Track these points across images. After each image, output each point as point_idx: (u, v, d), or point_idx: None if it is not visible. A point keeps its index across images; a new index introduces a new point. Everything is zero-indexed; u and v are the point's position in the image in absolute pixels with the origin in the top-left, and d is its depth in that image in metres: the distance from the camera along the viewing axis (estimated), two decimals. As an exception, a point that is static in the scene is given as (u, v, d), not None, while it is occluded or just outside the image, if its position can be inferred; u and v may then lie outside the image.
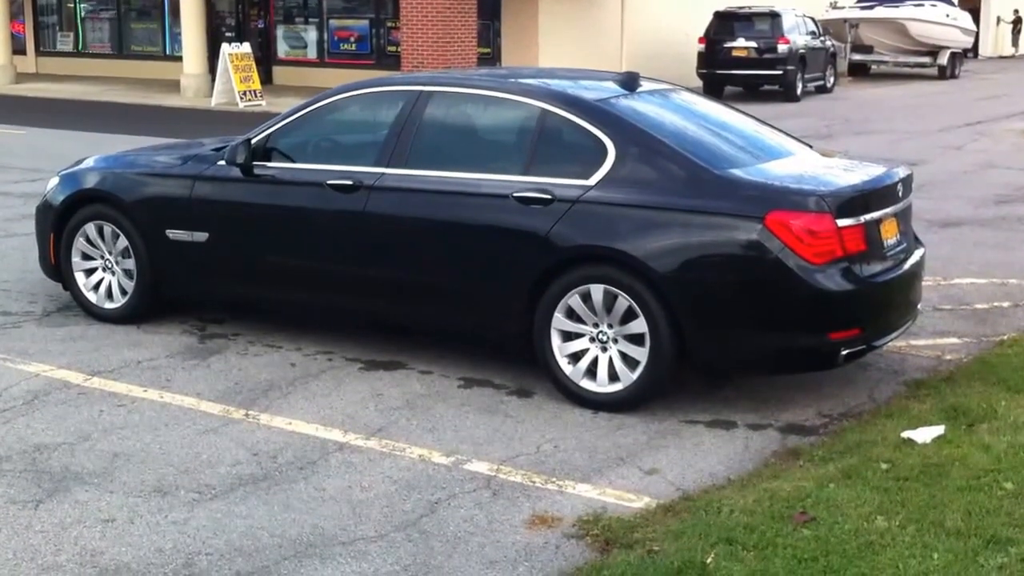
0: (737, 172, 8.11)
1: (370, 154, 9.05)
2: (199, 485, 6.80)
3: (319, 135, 9.59)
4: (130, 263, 9.87)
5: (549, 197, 8.15)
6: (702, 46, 35.31)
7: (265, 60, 35.67)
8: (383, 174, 8.80)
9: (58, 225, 10.16)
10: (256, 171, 9.34)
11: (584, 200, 8.07)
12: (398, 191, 8.74)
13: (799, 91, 34.74)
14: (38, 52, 42.20)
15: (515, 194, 8.27)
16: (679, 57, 35.93)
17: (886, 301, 8.32)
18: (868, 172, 8.65)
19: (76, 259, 10.12)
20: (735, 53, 34.73)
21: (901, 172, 8.75)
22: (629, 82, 9.32)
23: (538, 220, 8.16)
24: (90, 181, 10.15)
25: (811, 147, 9.40)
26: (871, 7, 44.13)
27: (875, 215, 8.13)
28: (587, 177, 8.15)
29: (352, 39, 36.24)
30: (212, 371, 8.84)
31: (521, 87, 8.94)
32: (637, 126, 8.35)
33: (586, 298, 8.04)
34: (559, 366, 8.18)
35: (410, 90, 9.18)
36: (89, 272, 10.12)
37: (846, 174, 8.65)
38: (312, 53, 36.92)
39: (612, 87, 9.20)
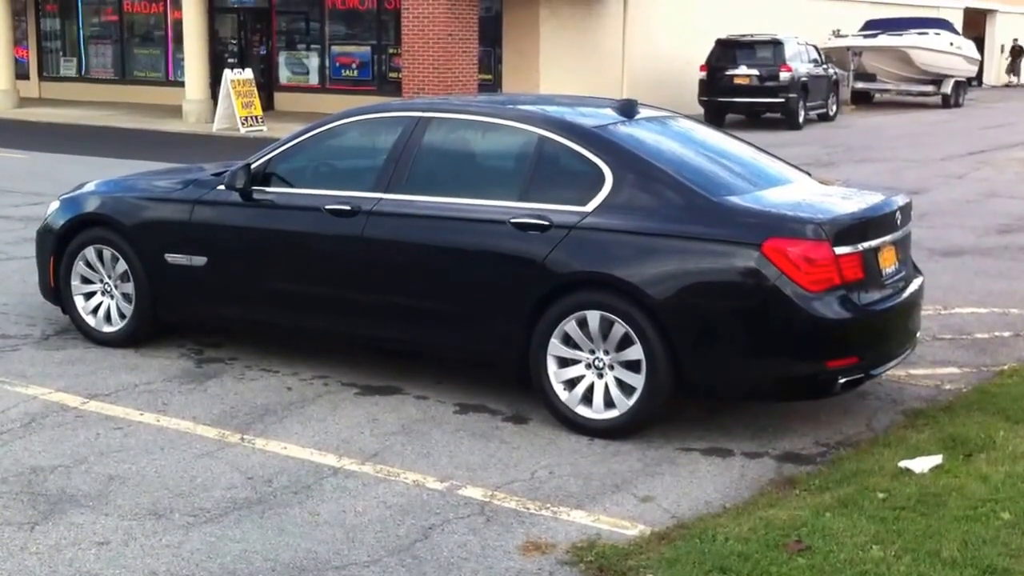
0: (734, 199, 8.10)
1: (368, 179, 9.06)
2: (194, 509, 6.79)
3: (318, 160, 9.60)
4: (129, 287, 9.88)
5: (546, 223, 8.15)
6: (704, 73, 35.40)
7: (267, 86, 35.80)
8: (381, 199, 8.81)
9: (58, 249, 10.17)
10: (255, 196, 9.35)
11: (581, 226, 8.07)
12: (396, 216, 8.74)
13: (801, 119, 34.79)
14: (41, 77, 42.35)
15: (512, 220, 8.27)
16: (681, 84, 36.05)
17: (884, 329, 8.30)
18: (866, 200, 8.65)
19: (75, 282, 10.13)
20: (737, 81, 34.83)
21: (900, 200, 8.74)
22: (627, 109, 9.33)
23: (535, 246, 8.16)
24: (90, 205, 10.17)
25: (809, 175, 9.40)
26: (874, 35, 44.27)
27: (873, 243, 8.12)
28: (584, 203, 8.15)
29: (354, 65, 36.35)
30: (209, 395, 8.84)
31: (519, 113, 8.95)
32: (634, 153, 8.35)
33: (582, 324, 8.03)
34: (555, 392, 8.16)
35: (409, 116, 9.19)
36: (88, 296, 10.13)
37: (844, 202, 8.65)
38: (314, 79, 37.05)
39: (610, 114, 9.21)
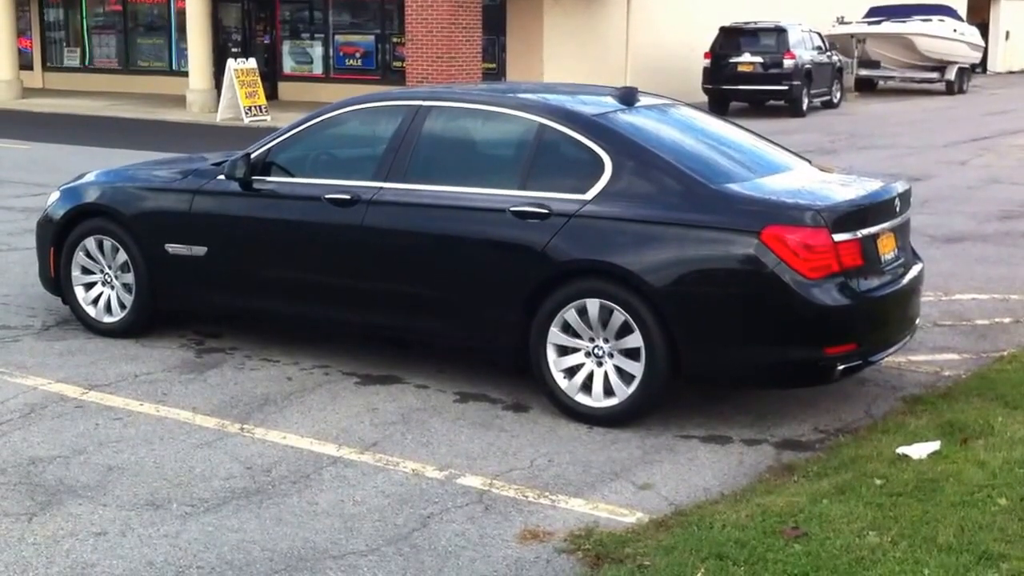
0: (734, 187, 8.10)
1: (368, 168, 9.06)
2: (192, 499, 6.80)
3: (318, 149, 9.60)
4: (129, 277, 9.88)
5: (546, 211, 8.15)
6: (707, 61, 35.30)
7: (271, 76, 35.74)
8: (381, 188, 8.81)
9: (58, 239, 10.18)
10: (255, 185, 9.36)
11: (581, 214, 8.07)
12: (396, 205, 8.75)
13: (805, 106, 34.70)
14: (45, 67, 42.32)
15: (512, 208, 8.27)
16: (684, 72, 35.96)
17: (883, 316, 8.29)
18: (865, 187, 8.66)
19: (76, 273, 10.14)
20: (741, 68, 34.72)
21: (899, 187, 8.74)
22: (627, 97, 9.33)
23: (535, 234, 8.17)
24: (90, 195, 10.17)
25: (809, 162, 9.39)
26: (878, 22, 44.13)
27: (872, 230, 8.12)
28: (584, 191, 8.15)
29: (357, 55, 36.31)
30: (209, 385, 8.85)
31: (519, 102, 8.95)
32: (634, 140, 8.35)
33: (582, 312, 8.04)
34: (555, 380, 8.17)
35: (409, 105, 9.18)
36: (88, 286, 10.14)
37: (843, 189, 8.66)
38: (318, 69, 36.99)
39: (610, 102, 9.21)
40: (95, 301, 10.10)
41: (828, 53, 37.80)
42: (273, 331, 9.95)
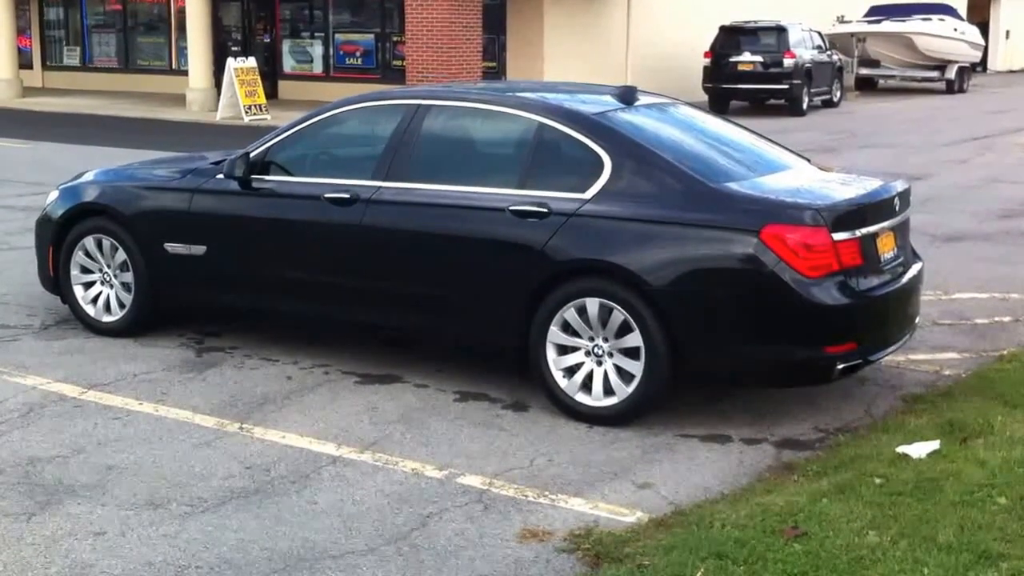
0: (733, 186, 8.10)
1: (368, 167, 9.05)
2: (191, 498, 6.79)
3: (318, 148, 9.60)
4: (128, 276, 9.87)
5: (545, 210, 8.15)
6: (708, 60, 35.29)
7: (271, 74, 35.75)
8: (380, 187, 8.81)
9: (57, 238, 10.17)
10: (254, 184, 9.35)
11: (580, 213, 8.07)
12: (395, 204, 8.74)
13: (805, 105, 34.70)
14: (44, 66, 42.33)
15: (511, 207, 8.26)
16: (685, 71, 35.94)
17: (883, 315, 8.29)
18: (865, 186, 8.65)
19: (75, 272, 10.13)
20: (741, 67, 34.71)
21: (898, 186, 8.73)
22: (627, 96, 9.33)
23: (534, 233, 8.16)
24: (89, 194, 10.17)
25: (809, 161, 9.38)
26: (878, 21, 44.12)
27: (872, 229, 8.12)
28: (583, 190, 8.15)
29: (358, 53, 36.32)
30: (208, 384, 8.84)
31: (518, 101, 8.94)
32: (633, 139, 8.34)
33: (582, 311, 8.03)
34: (554, 379, 8.16)
35: (408, 104, 9.18)
36: (88, 285, 10.12)
37: (843, 188, 8.65)
38: (318, 67, 37.00)
39: (609, 101, 9.21)
40: (94, 300, 10.10)
41: (828, 52, 37.81)
42: (273, 330, 9.94)
